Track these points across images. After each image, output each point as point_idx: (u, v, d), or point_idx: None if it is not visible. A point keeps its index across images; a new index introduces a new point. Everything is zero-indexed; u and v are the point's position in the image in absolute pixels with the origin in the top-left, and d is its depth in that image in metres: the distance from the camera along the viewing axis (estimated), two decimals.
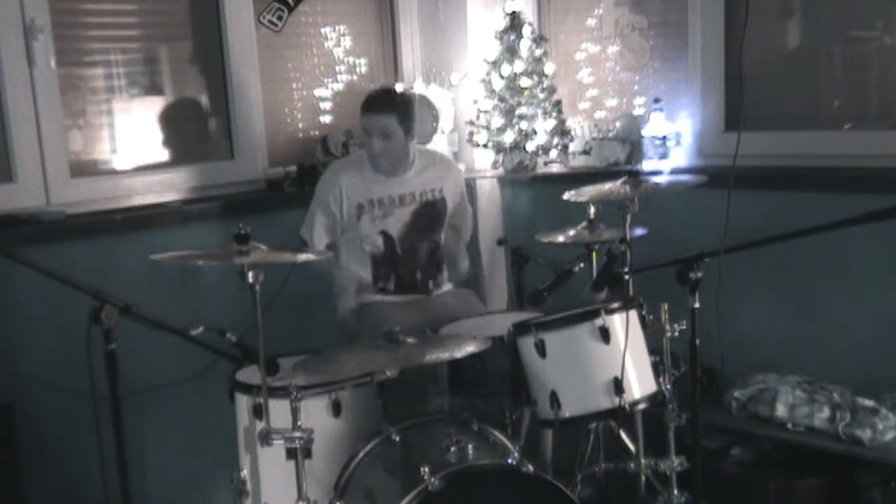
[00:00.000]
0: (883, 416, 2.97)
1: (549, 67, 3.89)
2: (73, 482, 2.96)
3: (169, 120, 3.47)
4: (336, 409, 2.49)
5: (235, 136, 3.59)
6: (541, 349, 2.46)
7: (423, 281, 3.27)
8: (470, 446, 2.30)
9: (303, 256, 2.52)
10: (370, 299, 3.21)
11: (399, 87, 3.97)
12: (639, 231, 2.79)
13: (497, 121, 3.91)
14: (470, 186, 3.97)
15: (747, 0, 2.51)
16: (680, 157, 3.72)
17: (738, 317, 3.27)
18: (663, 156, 3.70)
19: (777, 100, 3.53)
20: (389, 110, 3.11)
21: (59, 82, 3.07)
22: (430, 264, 3.30)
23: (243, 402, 2.56)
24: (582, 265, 3.00)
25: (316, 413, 2.45)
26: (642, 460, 2.75)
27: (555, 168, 3.98)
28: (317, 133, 3.86)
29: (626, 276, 2.63)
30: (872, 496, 3.02)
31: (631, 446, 2.82)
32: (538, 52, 3.88)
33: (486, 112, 3.96)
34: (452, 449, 2.29)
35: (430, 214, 3.27)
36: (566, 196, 2.88)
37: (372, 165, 3.20)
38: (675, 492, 2.71)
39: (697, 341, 2.41)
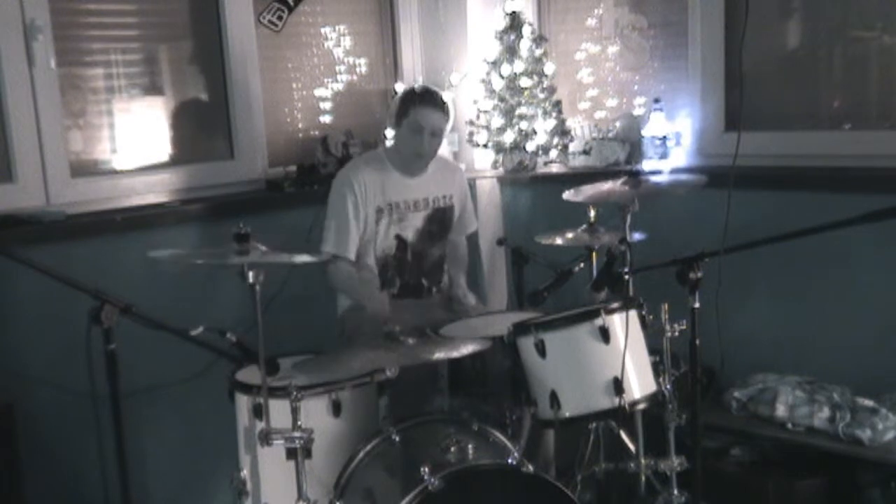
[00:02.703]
0: (883, 416, 2.97)
1: (549, 67, 3.89)
2: (73, 482, 2.96)
3: (169, 120, 3.47)
4: (336, 409, 2.49)
5: (235, 136, 3.59)
6: (541, 349, 2.46)
7: (427, 287, 3.28)
8: (470, 446, 2.30)
9: (301, 258, 2.50)
10: (374, 291, 3.20)
11: (400, 88, 3.97)
12: (638, 236, 2.79)
13: (497, 121, 3.91)
14: (470, 186, 3.96)
15: (747, 0, 2.51)
16: (680, 157, 3.72)
17: (738, 317, 3.27)
18: (663, 156, 3.70)
19: (777, 100, 3.53)
20: (447, 111, 3.14)
21: (59, 82, 3.07)
22: (436, 270, 3.31)
23: (243, 402, 2.56)
24: (582, 265, 3.01)
25: (316, 413, 2.45)
26: (642, 460, 2.75)
27: (555, 168, 3.98)
28: (317, 133, 3.85)
29: (626, 276, 2.63)
30: (872, 496, 3.02)
31: (631, 446, 2.82)
32: (538, 52, 3.88)
33: (486, 112, 3.96)
34: (452, 449, 2.29)
35: (440, 221, 3.28)
36: (565, 196, 2.88)
37: (402, 164, 3.16)
38: (675, 492, 2.71)
39: (697, 341, 2.41)
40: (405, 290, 3.23)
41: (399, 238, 3.19)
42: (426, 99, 3.13)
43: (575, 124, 4.01)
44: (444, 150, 4.01)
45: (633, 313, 2.51)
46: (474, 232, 3.60)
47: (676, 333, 2.58)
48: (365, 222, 3.13)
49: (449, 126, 3.22)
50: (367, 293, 3.09)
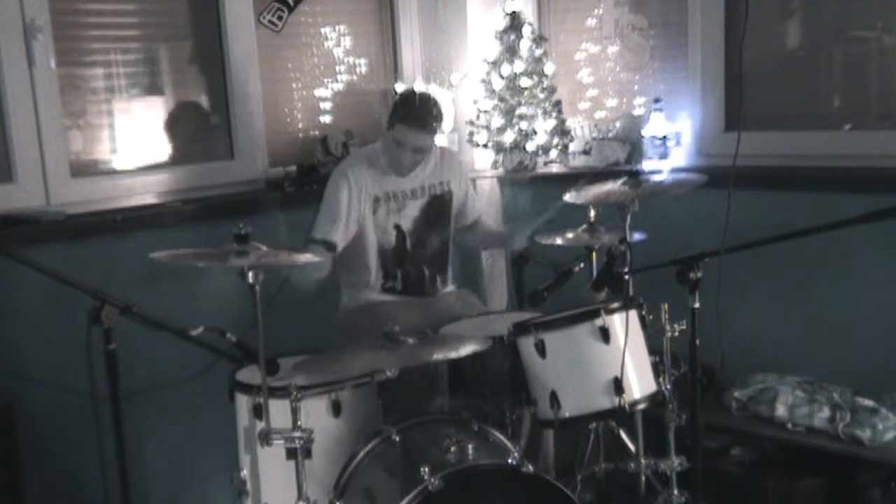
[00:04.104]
0: (883, 416, 2.97)
1: (549, 67, 3.89)
2: (73, 482, 2.96)
3: (169, 120, 3.47)
4: (336, 409, 2.49)
5: (235, 136, 3.59)
6: (541, 349, 2.46)
7: (430, 277, 3.28)
8: (470, 446, 2.30)
9: (303, 258, 2.50)
10: (375, 298, 3.21)
11: (400, 88, 3.97)
12: (638, 236, 2.79)
13: (497, 121, 3.91)
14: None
15: (747, 0, 2.51)
16: (680, 157, 3.72)
17: (738, 317, 3.27)
18: (663, 156, 3.70)
19: (777, 100, 3.53)
20: (431, 130, 3.11)
21: (59, 82, 3.07)
22: (438, 260, 3.30)
23: (243, 402, 2.55)
24: (582, 265, 3.00)
25: (316, 413, 2.44)
26: (642, 460, 2.75)
27: (555, 168, 3.98)
28: (317, 133, 3.86)
29: (626, 276, 2.63)
30: (872, 496, 3.02)
31: (631, 446, 2.82)
32: (538, 52, 3.88)
33: (486, 112, 3.96)
34: (452, 449, 2.28)
35: (438, 208, 3.28)
36: (567, 197, 2.88)
37: (390, 166, 3.18)
38: (675, 492, 2.71)
39: (697, 341, 2.41)
40: (408, 283, 3.24)
41: (398, 228, 3.20)
42: (414, 118, 3.07)
43: (575, 124, 4.01)
44: None
45: (633, 313, 2.51)
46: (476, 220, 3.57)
47: (676, 333, 2.58)
48: (360, 214, 3.14)
49: (436, 139, 3.22)
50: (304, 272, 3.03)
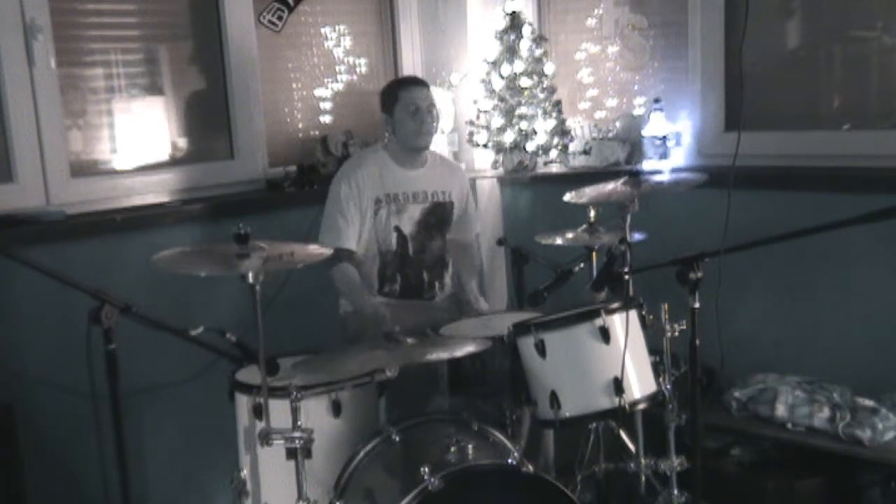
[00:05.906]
0: (883, 416, 2.97)
1: (549, 67, 3.89)
2: (73, 482, 2.96)
3: (169, 120, 3.47)
4: (336, 409, 2.49)
5: (235, 136, 3.59)
6: (541, 349, 2.46)
7: (429, 282, 3.28)
8: (470, 446, 2.30)
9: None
10: (372, 302, 3.20)
11: None
12: (638, 236, 2.79)
13: (497, 121, 3.91)
14: (470, 187, 3.96)
15: (747, 0, 2.51)
16: (680, 157, 3.72)
17: (738, 317, 3.27)
18: (663, 156, 3.70)
19: (777, 100, 3.53)
20: (429, 87, 3.28)
21: (59, 82, 3.07)
22: (438, 265, 3.30)
23: (243, 402, 2.55)
24: (582, 265, 3.01)
25: (316, 413, 2.44)
26: (642, 460, 2.75)
27: (555, 168, 3.98)
28: (317, 133, 3.86)
29: (626, 276, 2.63)
30: (872, 496, 3.02)
31: (631, 446, 2.82)
32: (538, 52, 3.88)
33: (486, 112, 3.96)
34: (452, 449, 2.29)
35: (438, 214, 3.28)
36: (567, 198, 2.88)
37: (403, 153, 3.22)
38: (675, 492, 2.71)
39: (697, 341, 2.41)
40: (406, 287, 3.23)
41: (398, 230, 3.19)
42: (410, 81, 3.32)
43: (575, 124, 4.01)
44: (444, 150, 4.02)
45: (633, 313, 2.50)
46: (477, 234, 3.59)
47: (676, 333, 2.58)
48: (362, 214, 3.15)
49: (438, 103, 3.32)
50: (364, 299, 3.10)
